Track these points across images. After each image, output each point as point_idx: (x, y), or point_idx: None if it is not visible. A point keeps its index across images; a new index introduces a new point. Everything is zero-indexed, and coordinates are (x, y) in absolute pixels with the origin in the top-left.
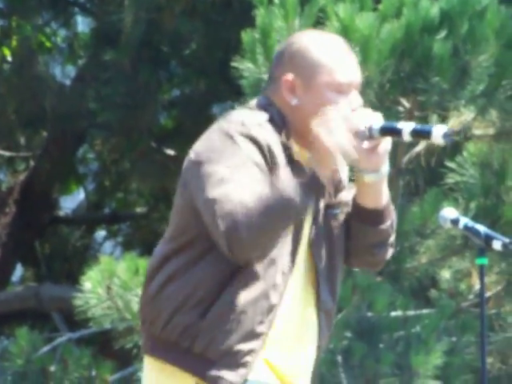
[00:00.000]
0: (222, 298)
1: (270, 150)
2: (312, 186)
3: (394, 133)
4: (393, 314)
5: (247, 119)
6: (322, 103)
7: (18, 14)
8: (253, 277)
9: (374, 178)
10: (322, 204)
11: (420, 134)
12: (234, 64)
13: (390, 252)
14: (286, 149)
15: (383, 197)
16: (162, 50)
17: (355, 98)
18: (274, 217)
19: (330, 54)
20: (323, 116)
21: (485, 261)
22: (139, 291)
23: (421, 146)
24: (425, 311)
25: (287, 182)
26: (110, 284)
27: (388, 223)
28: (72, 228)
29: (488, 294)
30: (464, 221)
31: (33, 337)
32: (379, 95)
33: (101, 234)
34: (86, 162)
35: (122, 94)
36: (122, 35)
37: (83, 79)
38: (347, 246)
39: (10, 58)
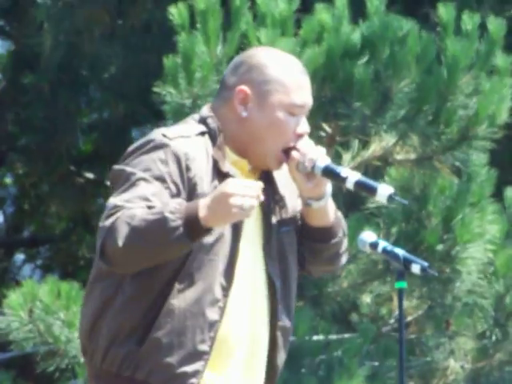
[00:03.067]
0: (157, 322)
1: (188, 162)
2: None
3: (337, 178)
4: (314, 338)
5: (170, 131)
6: (272, 121)
7: None
8: (187, 296)
9: (318, 205)
10: (274, 220)
11: (364, 188)
12: (155, 89)
13: (346, 257)
14: (216, 162)
15: (330, 214)
16: (82, 73)
17: (304, 124)
18: (152, 239)
19: (289, 73)
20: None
21: (404, 284)
22: (61, 315)
23: None
24: (346, 335)
25: (178, 210)
26: (32, 307)
27: (340, 235)
28: None
29: (409, 318)
30: (383, 244)
31: None
32: None
33: (20, 257)
34: (5, 185)
35: (41, 117)
36: (42, 59)
37: (2, 102)
38: (307, 260)
39: None
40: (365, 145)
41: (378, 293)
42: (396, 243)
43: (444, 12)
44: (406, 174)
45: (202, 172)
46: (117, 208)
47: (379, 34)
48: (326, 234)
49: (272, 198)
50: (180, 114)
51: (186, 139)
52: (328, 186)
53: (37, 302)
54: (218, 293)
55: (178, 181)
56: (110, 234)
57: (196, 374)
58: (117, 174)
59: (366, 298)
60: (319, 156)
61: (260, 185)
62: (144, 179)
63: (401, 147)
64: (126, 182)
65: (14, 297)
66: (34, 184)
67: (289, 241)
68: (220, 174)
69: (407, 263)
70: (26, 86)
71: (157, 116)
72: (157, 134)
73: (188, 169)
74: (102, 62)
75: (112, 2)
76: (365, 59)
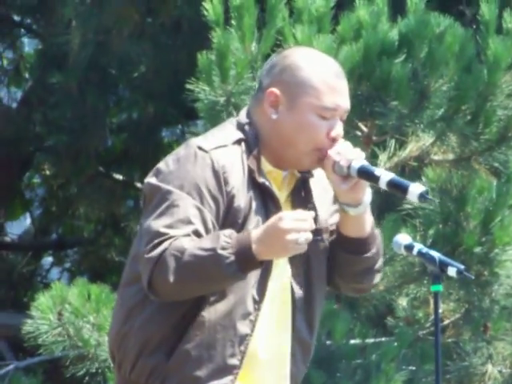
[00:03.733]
0: (187, 334)
1: (225, 176)
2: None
3: (371, 178)
4: (351, 342)
5: (207, 142)
6: (301, 124)
7: None
8: (218, 309)
9: (356, 212)
10: None
11: (396, 187)
12: (188, 86)
13: (378, 277)
14: (251, 172)
15: (366, 226)
16: (110, 72)
17: (338, 127)
18: (204, 276)
19: (321, 75)
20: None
21: (439, 288)
22: (91, 318)
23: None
24: (384, 339)
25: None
26: (61, 310)
27: (373, 251)
28: (18, 254)
29: (446, 322)
30: (418, 247)
31: None
32: None
33: (47, 260)
34: (33, 187)
35: (69, 117)
36: (70, 57)
37: (30, 102)
38: (335, 272)
39: None
40: (401, 144)
41: (415, 296)
42: (433, 245)
43: (486, 10)
44: (444, 174)
45: (238, 184)
46: (161, 237)
47: (417, 32)
48: (359, 246)
49: (305, 206)
50: (213, 112)
51: (222, 149)
52: (367, 195)
53: (66, 304)
54: (250, 306)
55: (217, 194)
56: (159, 269)
57: None
58: (151, 192)
59: (403, 301)
60: (356, 157)
61: (312, 214)
62: (182, 198)
63: (438, 147)
64: (162, 201)
65: (42, 299)
66: (62, 185)
67: (316, 251)
68: (255, 184)
69: (443, 266)
70: (54, 85)
71: (187, 116)
72: (192, 147)
73: (226, 182)
74: (131, 60)
75: None
76: (402, 57)
